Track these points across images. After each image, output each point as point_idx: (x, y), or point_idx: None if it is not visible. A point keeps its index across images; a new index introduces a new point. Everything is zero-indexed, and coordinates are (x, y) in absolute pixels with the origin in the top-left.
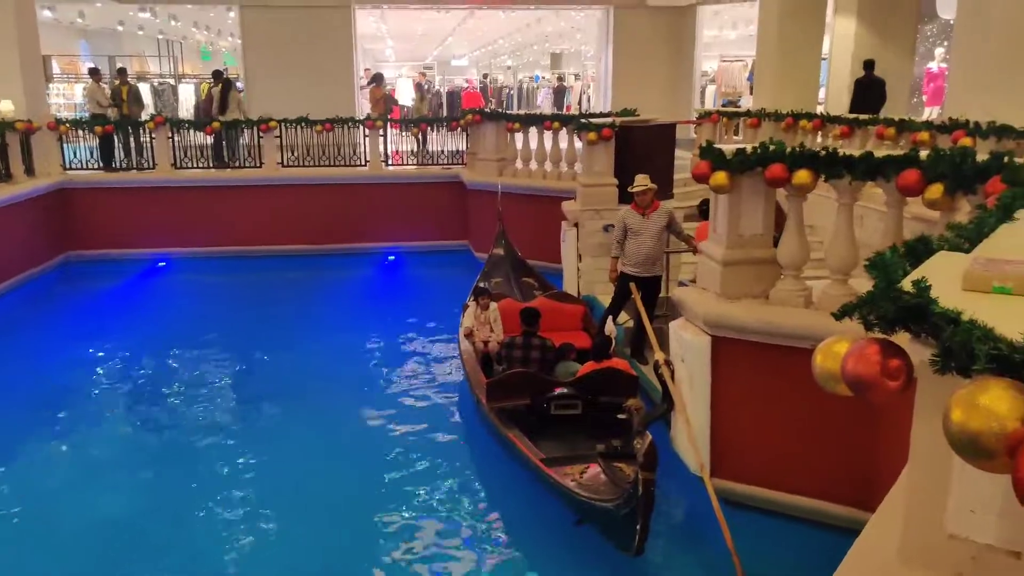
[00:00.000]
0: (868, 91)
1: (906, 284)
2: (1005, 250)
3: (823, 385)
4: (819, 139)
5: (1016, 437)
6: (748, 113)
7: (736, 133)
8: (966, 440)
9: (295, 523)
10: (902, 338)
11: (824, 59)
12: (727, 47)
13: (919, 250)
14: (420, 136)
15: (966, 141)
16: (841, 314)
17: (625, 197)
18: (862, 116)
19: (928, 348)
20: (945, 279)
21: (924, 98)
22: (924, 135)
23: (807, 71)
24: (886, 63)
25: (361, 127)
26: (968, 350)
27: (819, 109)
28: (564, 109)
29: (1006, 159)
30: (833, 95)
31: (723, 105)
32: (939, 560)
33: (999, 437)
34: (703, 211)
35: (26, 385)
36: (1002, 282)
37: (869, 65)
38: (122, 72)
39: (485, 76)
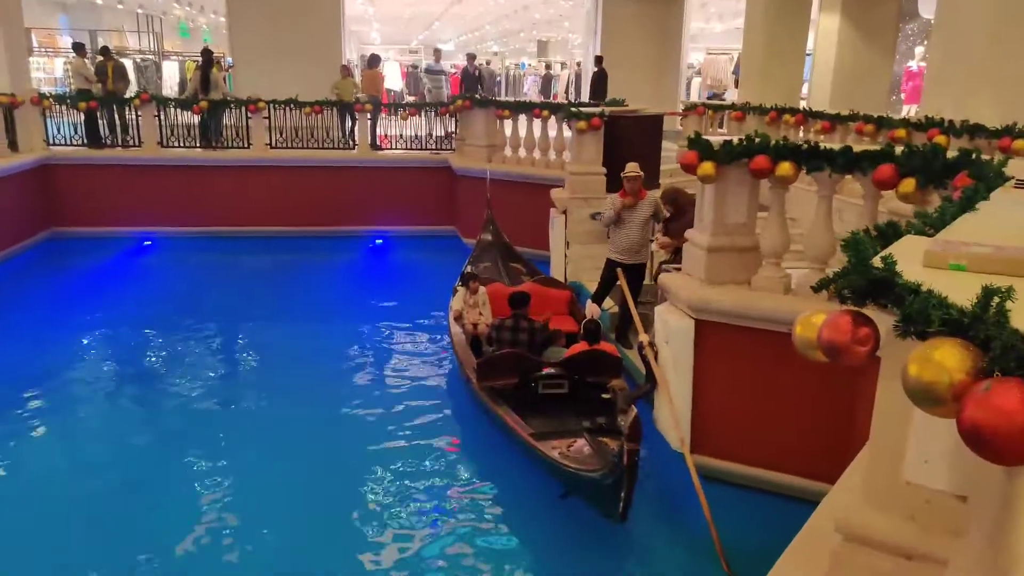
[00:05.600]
0: (598, 82)
1: (876, 261)
2: (963, 235)
3: (802, 352)
4: (801, 133)
5: (962, 386)
6: (733, 106)
7: (721, 126)
8: (920, 389)
9: (282, 495)
10: (870, 310)
11: (808, 55)
12: (714, 39)
13: (888, 233)
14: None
15: (940, 139)
16: (818, 287)
17: (613, 186)
18: (843, 112)
19: (892, 316)
20: (909, 258)
21: (903, 96)
22: (901, 132)
23: (792, 66)
24: (867, 60)
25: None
26: (925, 316)
27: (802, 104)
28: (551, 97)
29: (974, 156)
30: (816, 90)
31: (708, 98)
32: (897, 504)
33: (948, 386)
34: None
35: (7, 362)
36: (957, 260)
37: (599, 60)
38: (105, 51)
39: (473, 58)
